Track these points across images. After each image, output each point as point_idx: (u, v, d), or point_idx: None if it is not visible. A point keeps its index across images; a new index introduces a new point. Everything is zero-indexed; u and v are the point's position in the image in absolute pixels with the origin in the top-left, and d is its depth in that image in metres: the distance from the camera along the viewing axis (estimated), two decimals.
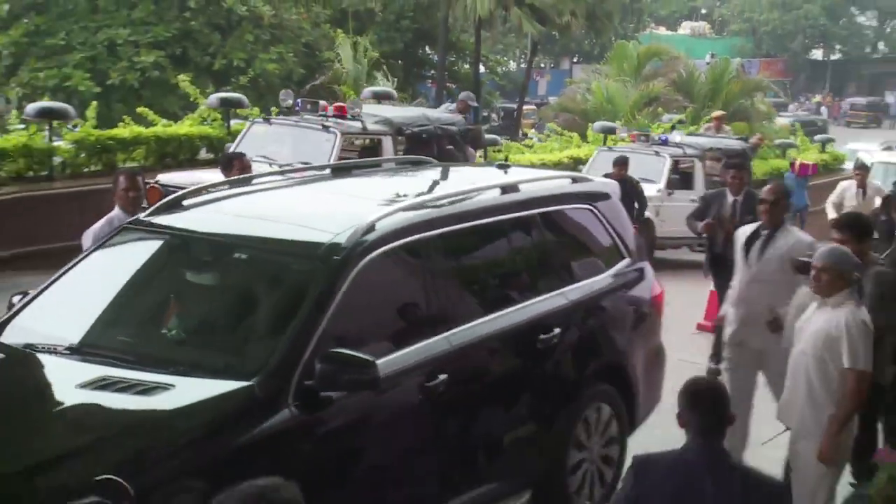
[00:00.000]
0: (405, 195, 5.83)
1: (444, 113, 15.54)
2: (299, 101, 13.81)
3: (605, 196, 7.02)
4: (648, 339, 6.94)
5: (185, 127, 15.47)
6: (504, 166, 7.04)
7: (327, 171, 7.41)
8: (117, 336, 5.11)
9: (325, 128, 12.64)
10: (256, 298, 5.35)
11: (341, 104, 13.36)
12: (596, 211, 6.76)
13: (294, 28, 28.44)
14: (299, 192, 6.27)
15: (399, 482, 5.12)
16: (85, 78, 25.34)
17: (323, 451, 4.73)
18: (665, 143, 16.60)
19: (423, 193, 5.95)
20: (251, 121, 13.68)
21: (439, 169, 7.44)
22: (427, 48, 36.16)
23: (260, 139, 12.98)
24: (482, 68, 35.82)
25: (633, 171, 15.95)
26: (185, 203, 5.76)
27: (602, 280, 6.65)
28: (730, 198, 9.89)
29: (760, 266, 6.84)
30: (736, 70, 33.05)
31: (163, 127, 15.09)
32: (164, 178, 11.95)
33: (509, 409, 5.83)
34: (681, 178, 16.53)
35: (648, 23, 58.74)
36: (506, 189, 6.30)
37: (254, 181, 6.63)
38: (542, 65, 51.51)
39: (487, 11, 30.35)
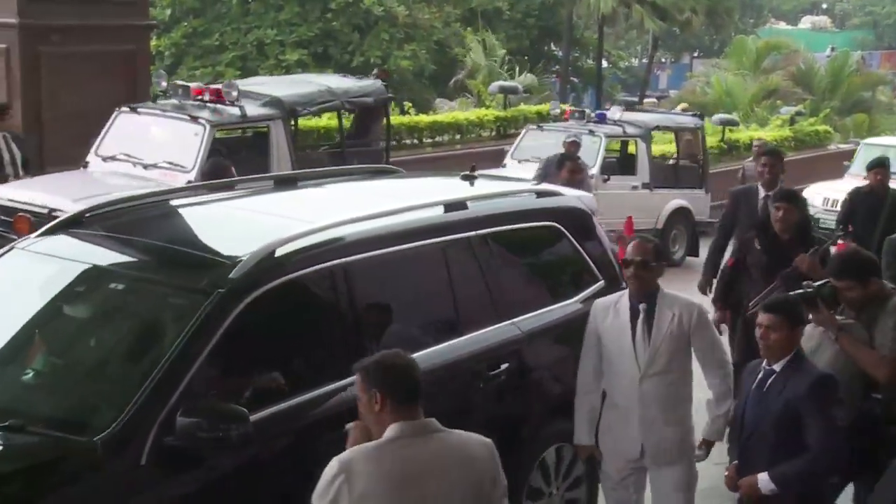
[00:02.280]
0: (332, 213, 4.61)
1: (354, 82, 12.40)
2: (172, 84, 10.79)
3: (575, 211, 5.72)
4: None
5: (323, 120, 15.83)
6: (470, 178, 5.76)
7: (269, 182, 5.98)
8: None
9: (194, 118, 9.72)
10: (127, 337, 4.28)
11: (217, 87, 10.39)
12: (563, 229, 5.50)
13: (426, 27, 27.95)
14: (216, 211, 5.15)
15: None
16: (236, 75, 25.60)
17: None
18: (602, 119, 13.31)
19: (353, 211, 4.66)
20: (117, 111, 10.39)
21: (394, 180, 6.16)
22: (552, 45, 35.72)
23: (125, 133, 10.05)
24: (605, 63, 35.03)
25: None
26: (83, 221, 4.73)
27: (567, 306, 5.38)
28: (761, 193, 7.45)
29: (651, 355, 4.70)
30: (856, 63, 31.90)
31: (303, 121, 15.33)
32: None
33: None
34: (621, 162, 13.50)
35: (768, 17, 56.66)
36: (450, 206, 5.07)
37: (170, 195, 5.46)
38: (663, 59, 50.01)
39: (610, 9, 29.12)
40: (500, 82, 20.92)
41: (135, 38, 12.67)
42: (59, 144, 11.07)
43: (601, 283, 5.55)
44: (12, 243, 4.76)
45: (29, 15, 11.68)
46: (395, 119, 18.66)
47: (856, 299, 4.85)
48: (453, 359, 4.73)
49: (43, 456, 3.58)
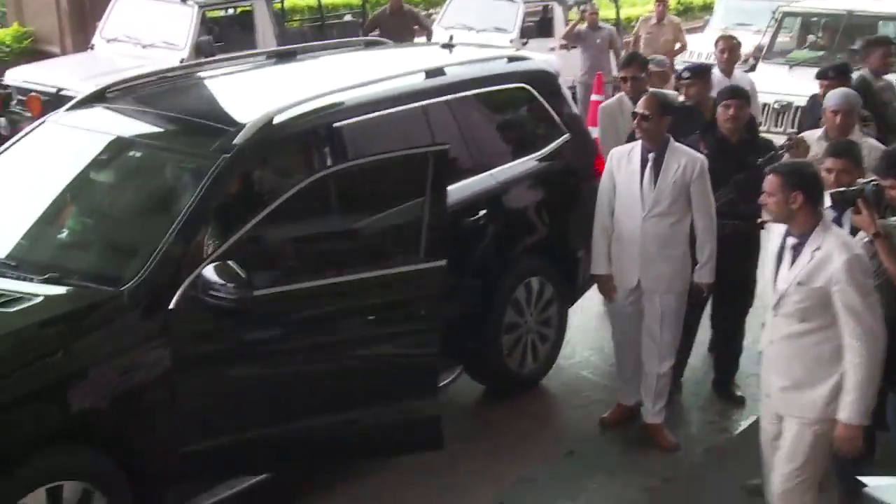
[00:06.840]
0: (326, 83, 4.41)
1: None
2: None
3: (542, 73, 5.50)
4: (589, 208, 5.01)
5: None
6: (449, 46, 5.62)
7: (271, 57, 5.52)
8: (12, 240, 3.91)
9: (184, 0, 9.22)
10: (148, 199, 4.12)
11: None
12: (532, 89, 5.30)
13: None
14: (223, 84, 4.89)
15: (311, 381, 3.95)
16: None
17: (212, 358, 3.66)
18: None
19: (344, 80, 4.48)
20: None
21: (381, 51, 5.90)
22: None
23: (126, 16, 9.48)
24: None
25: (484, 20, 11.48)
26: (107, 96, 4.50)
27: (537, 157, 5.23)
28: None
29: (655, 198, 4.55)
30: None
31: None
32: (12, 74, 8.92)
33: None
34: (539, 25, 12.10)
35: None
36: (431, 73, 4.85)
37: (183, 71, 5.18)
38: None
39: None
40: None
41: None
42: None
43: (567, 135, 5.41)
44: (44, 117, 4.54)
45: None
46: None
47: None
48: None
49: (78, 303, 3.50)
